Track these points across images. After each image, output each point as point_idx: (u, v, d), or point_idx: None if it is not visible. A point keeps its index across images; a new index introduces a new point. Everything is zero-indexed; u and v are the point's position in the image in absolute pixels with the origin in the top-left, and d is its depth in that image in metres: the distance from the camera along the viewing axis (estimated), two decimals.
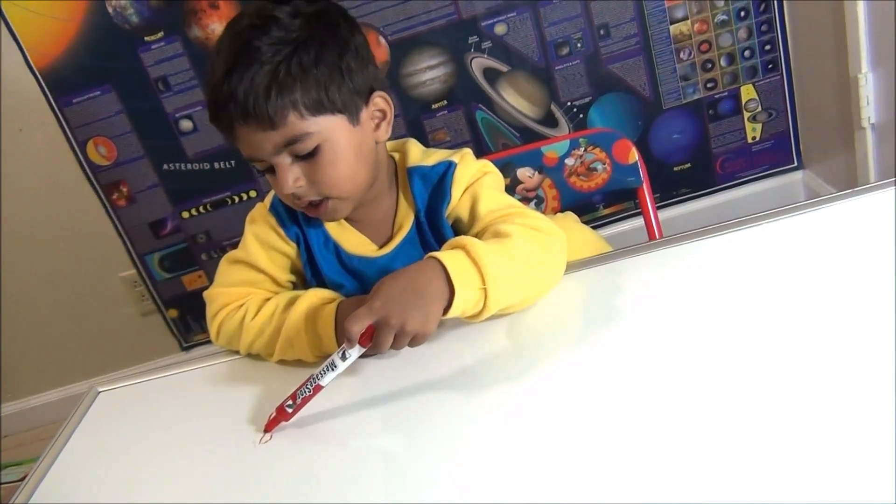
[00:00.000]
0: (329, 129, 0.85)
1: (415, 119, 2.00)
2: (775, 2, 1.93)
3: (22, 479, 0.83)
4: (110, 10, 1.84)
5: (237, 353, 0.97)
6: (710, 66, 1.99)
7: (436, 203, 0.96)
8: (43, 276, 2.15)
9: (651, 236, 1.26)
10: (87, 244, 2.11)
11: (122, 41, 1.87)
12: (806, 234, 0.85)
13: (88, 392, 0.99)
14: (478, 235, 0.89)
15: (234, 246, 1.02)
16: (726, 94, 2.03)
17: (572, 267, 0.92)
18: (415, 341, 0.78)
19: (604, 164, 1.27)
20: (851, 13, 1.61)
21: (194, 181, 2.03)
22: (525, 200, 1.28)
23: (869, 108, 1.69)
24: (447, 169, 0.96)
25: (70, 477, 0.84)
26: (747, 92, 2.03)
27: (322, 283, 0.99)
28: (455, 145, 2.01)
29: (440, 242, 0.95)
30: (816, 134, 2.02)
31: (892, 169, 1.68)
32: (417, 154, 0.98)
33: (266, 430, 0.79)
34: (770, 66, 2.00)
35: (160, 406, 0.93)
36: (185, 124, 1.97)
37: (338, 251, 0.99)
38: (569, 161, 1.28)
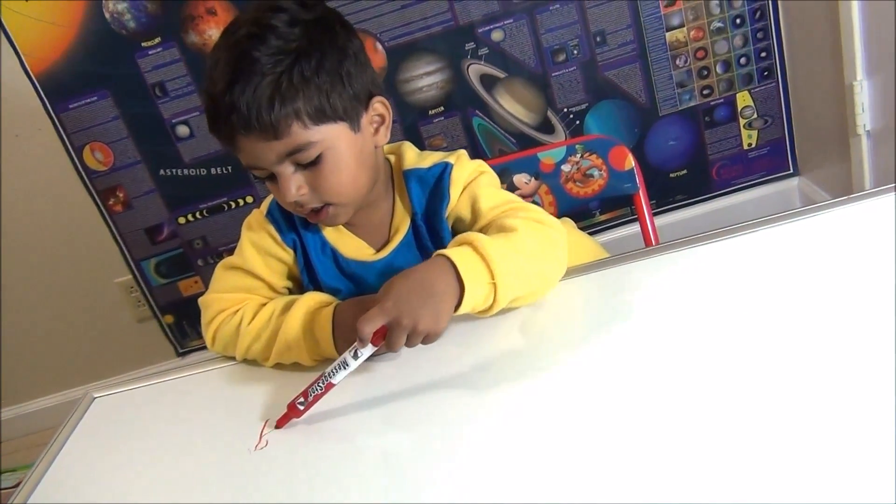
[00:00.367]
0: (331, 137, 0.86)
1: (411, 125, 2.00)
2: (771, 9, 1.94)
3: (16, 486, 0.83)
4: (107, 15, 1.84)
5: (233, 359, 0.97)
6: (706, 73, 2.00)
7: (434, 204, 0.97)
8: (39, 281, 2.15)
9: (647, 243, 1.26)
10: (83, 249, 2.11)
11: (119, 47, 1.87)
12: (801, 240, 0.85)
13: (83, 398, 0.99)
14: (482, 232, 0.89)
15: (231, 252, 1.02)
16: (722, 101, 2.03)
17: (569, 273, 0.92)
18: (427, 339, 0.79)
19: (600, 170, 1.27)
20: (846, 20, 1.61)
21: (191, 187, 2.03)
22: None
23: (864, 116, 1.70)
24: (444, 170, 0.96)
25: (65, 483, 0.83)
26: (743, 99, 2.03)
27: (318, 289, 0.99)
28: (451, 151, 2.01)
29: (437, 244, 0.96)
30: (812, 141, 2.03)
31: (888, 176, 1.68)
32: (413, 157, 0.99)
33: (277, 426, 0.80)
34: (766, 73, 2.01)
35: (155, 412, 0.93)
36: (182, 130, 1.97)
37: (335, 256, 0.99)
38: (565, 167, 1.28)
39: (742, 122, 2.06)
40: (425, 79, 1.96)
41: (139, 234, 2.08)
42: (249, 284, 0.98)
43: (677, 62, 1.98)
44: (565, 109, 2.01)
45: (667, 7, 1.92)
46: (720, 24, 1.95)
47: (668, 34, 1.95)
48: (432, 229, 0.97)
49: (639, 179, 1.26)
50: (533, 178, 1.29)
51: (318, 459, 0.75)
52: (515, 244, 0.84)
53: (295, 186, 0.86)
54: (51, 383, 2.29)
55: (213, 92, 0.84)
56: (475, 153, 2.01)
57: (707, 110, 2.04)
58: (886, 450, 0.55)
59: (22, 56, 1.86)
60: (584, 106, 2.01)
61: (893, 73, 1.56)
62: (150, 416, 0.92)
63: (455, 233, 0.97)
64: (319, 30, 0.86)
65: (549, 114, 2.02)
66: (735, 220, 0.90)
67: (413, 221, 0.98)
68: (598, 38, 1.94)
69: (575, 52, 1.95)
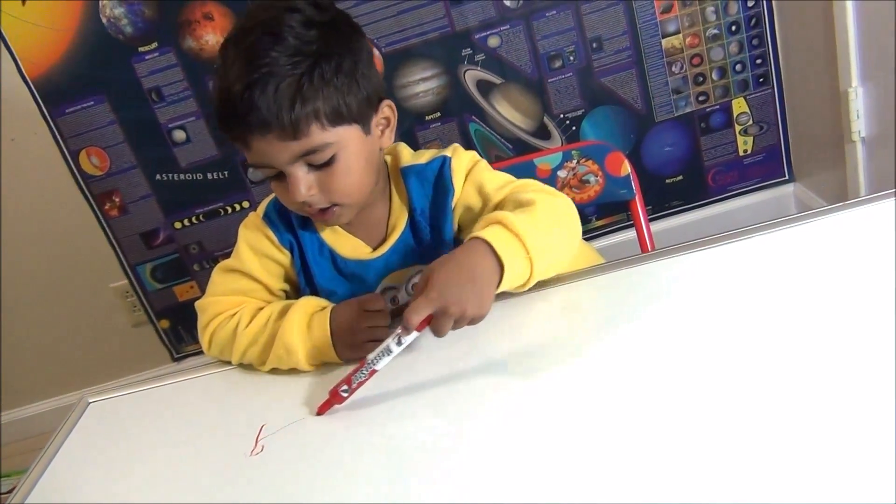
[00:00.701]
0: (345, 139, 0.87)
1: (408, 130, 2.00)
2: (766, 16, 1.94)
3: (10, 492, 0.83)
4: (104, 20, 1.84)
5: (229, 363, 0.96)
6: (701, 79, 2.01)
7: (438, 198, 0.98)
8: (34, 285, 2.14)
9: (643, 248, 1.26)
10: (78, 254, 2.10)
11: (116, 51, 1.87)
12: (797, 246, 0.85)
13: (79, 402, 0.98)
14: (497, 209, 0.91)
15: (227, 256, 1.02)
16: (718, 107, 2.04)
17: (565, 279, 0.92)
18: (472, 323, 0.81)
19: (596, 176, 1.27)
20: (841, 27, 1.62)
21: (187, 192, 2.03)
22: None
23: (859, 122, 1.71)
24: (443, 164, 0.98)
25: (59, 488, 0.83)
26: (739, 105, 2.04)
27: (314, 292, 1.00)
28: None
29: (437, 239, 0.98)
30: (807, 147, 2.03)
31: (883, 182, 1.69)
32: (409, 155, 1.01)
33: (319, 413, 0.80)
34: (761, 79, 2.01)
35: (151, 417, 0.93)
36: (179, 135, 1.97)
37: (333, 257, 1.00)
38: (561, 173, 1.28)
39: (738, 128, 2.07)
40: (422, 84, 1.97)
41: (135, 238, 2.07)
42: (246, 287, 0.98)
43: (673, 69, 1.99)
44: (561, 115, 2.02)
45: (663, 14, 1.93)
46: (716, 31, 1.95)
47: (664, 41, 1.96)
48: (433, 224, 0.98)
49: (635, 185, 1.26)
50: None
51: (313, 464, 0.74)
52: (538, 217, 0.87)
53: (305, 187, 0.87)
54: (46, 388, 2.28)
55: (229, 91, 0.83)
56: None
57: (703, 116, 2.05)
58: (886, 451, 0.55)
59: (19, 60, 1.86)
60: (580, 112, 2.02)
61: (888, 80, 1.57)
62: (146, 420, 0.92)
63: (463, 222, 0.98)
64: (335, 32, 0.86)
65: (546, 120, 2.02)
66: (731, 226, 0.91)
67: (411, 218, 0.99)
68: (594, 45, 1.95)
69: (571, 58, 1.96)
